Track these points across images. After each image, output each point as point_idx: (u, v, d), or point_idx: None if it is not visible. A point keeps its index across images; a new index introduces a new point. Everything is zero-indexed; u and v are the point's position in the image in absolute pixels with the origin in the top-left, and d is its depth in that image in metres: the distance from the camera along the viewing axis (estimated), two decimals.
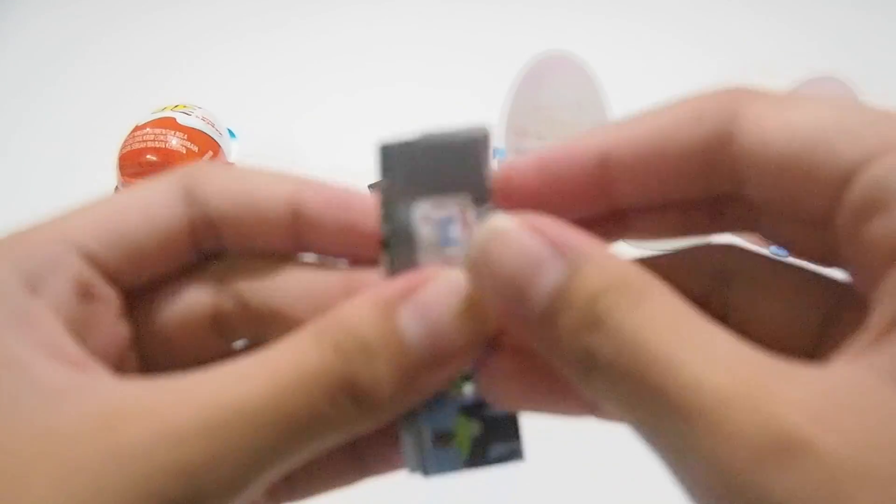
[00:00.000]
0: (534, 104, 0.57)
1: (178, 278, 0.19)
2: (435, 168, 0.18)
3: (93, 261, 0.17)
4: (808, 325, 0.18)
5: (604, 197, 0.18)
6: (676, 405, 0.14)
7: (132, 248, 0.18)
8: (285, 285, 0.19)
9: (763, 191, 0.17)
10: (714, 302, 0.19)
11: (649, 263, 0.17)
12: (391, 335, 0.16)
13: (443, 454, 0.18)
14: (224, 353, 0.19)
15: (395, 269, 0.18)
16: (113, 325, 0.18)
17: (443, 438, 0.18)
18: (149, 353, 0.20)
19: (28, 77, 0.71)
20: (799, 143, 0.16)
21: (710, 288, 0.19)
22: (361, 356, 0.16)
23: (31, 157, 0.63)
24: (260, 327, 0.20)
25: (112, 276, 0.18)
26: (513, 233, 0.16)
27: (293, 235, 0.19)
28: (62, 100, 0.69)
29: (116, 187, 0.54)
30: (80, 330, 0.17)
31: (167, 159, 0.53)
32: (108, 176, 0.54)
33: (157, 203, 0.18)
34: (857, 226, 0.16)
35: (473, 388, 0.18)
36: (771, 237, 0.19)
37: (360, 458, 0.20)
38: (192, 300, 0.19)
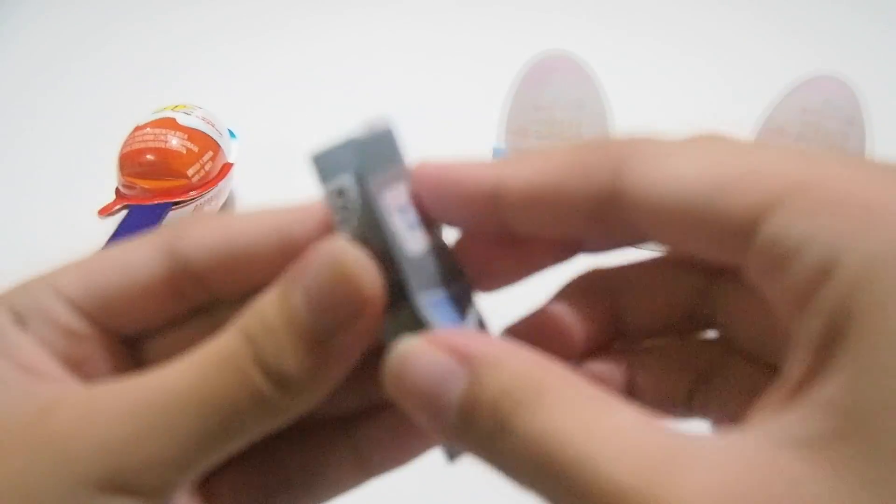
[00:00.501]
0: (534, 104, 0.57)
1: (176, 325, 0.20)
2: (368, 162, 0.18)
3: (75, 307, 0.19)
4: None
5: (498, 222, 0.18)
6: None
7: (110, 299, 0.19)
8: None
9: (667, 242, 0.17)
10: (703, 302, 0.20)
11: (642, 266, 0.17)
12: (286, 311, 0.17)
13: None
14: None
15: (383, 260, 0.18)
16: (107, 363, 0.19)
17: None
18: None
19: (28, 77, 0.71)
20: (693, 195, 0.15)
21: (701, 287, 0.20)
22: (265, 335, 0.17)
23: (31, 158, 0.63)
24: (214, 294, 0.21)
25: (97, 322, 0.19)
26: (419, 351, 0.17)
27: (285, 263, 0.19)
28: (62, 100, 0.69)
29: (117, 188, 0.54)
30: (73, 364, 0.19)
31: (167, 159, 0.53)
32: (109, 176, 0.54)
33: (137, 259, 0.19)
34: (764, 283, 0.15)
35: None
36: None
37: (364, 459, 0.21)
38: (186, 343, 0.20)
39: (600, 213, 0.17)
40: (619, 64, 0.63)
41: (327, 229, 0.18)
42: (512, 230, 0.18)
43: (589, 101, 0.57)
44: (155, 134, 0.53)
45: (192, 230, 0.19)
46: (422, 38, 0.73)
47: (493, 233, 0.19)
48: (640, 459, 0.14)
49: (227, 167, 0.56)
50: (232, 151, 0.57)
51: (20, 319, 0.18)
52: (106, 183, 0.55)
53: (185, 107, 0.56)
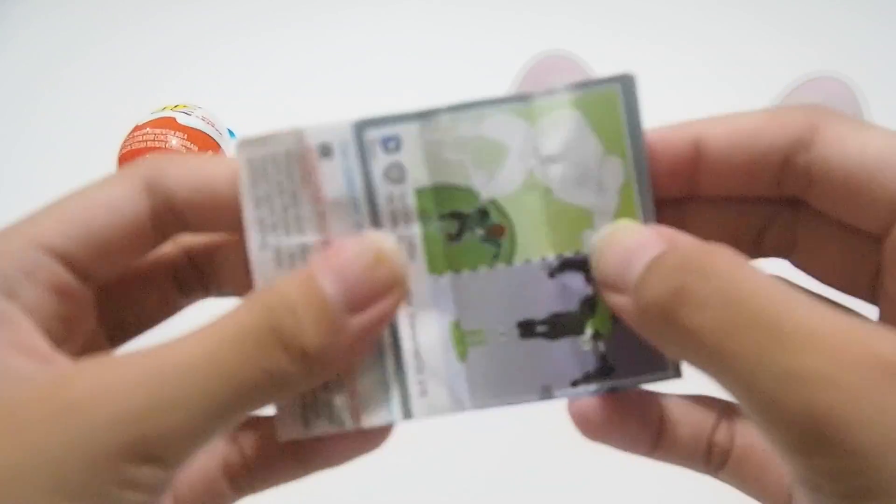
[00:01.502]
0: None
1: (142, 266, 0.21)
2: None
3: (66, 261, 0.18)
4: (864, 271, 0.20)
5: (687, 182, 0.20)
6: (787, 333, 0.15)
7: (101, 243, 0.19)
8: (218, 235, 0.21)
9: (826, 200, 0.20)
10: (783, 229, 0.21)
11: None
12: (312, 292, 0.18)
13: None
14: None
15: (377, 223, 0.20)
16: (90, 319, 0.20)
17: None
18: (128, 332, 0.22)
19: (28, 77, 0.71)
20: (870, 162, 0.18)
21: (777, 211, 0.21)
22: (286, 310, 0.17)
23: (31, 158, 0.63)
24: (207, 278, 0.22)
25: (84, 272, 0.19)
26: (631, 226, 0.20)
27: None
28: (62, 100, 0.69)
29: None
30: (61, 327, 0.19)
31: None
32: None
33: (121, 196, 0.19)
34: None
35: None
36: (803, 266, 0.21)
37: (299, 454, 0.21)
38: (155, 263, 0.21)
39: (786, 163, 0.19)
40: (618, 64, 0.63)
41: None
42: (696, 189, 0.21)
43: None
44: (154, 134, 0.53)
45: (172, 167, 0.20)
46: (421, 38, 0.73)
47: (675, 196, 0.21)
48: (838, 316, 0.15)
49: None
50: (231, 151, 0.57)
51: (8, 288, 0.18)
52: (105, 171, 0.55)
53: (184, 106, 0.56)
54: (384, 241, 0.19)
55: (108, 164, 0.54)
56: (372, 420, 0.20)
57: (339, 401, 0.20)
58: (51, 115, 0.67)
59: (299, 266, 0.20)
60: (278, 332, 0.17)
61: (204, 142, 0.54)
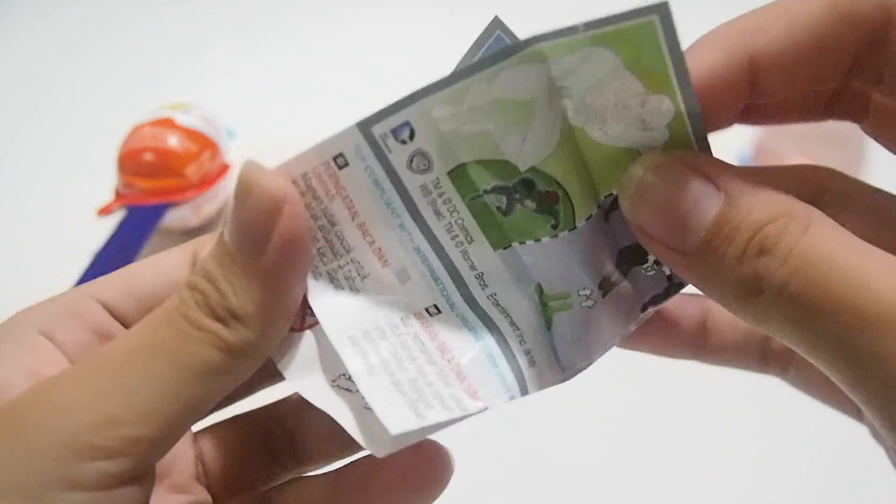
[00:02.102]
0: None
1: None
2: None
3: (109, 309, 0.19)
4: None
5: (743, 99, 0.18)
6: (866, 315, 0.15)
7: (145, 299, 0.19)
8: None
9: None
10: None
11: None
12: (219, 252, 0.17)
13: None
14: None
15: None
16: None
17: None
18: None
19: (27, 77, 0.71)
20: None
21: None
22: (205, 281, 0.17)
23: (30, 157, 0.63)
24: None
25: (127, 320, 0.19)
26: (668, 168, 0.17)
27: None
28: (61, 100, 0.68)
29: (116, 187, 0.54)
30: None
31: (166, 159, 0.52)
32: (108, 176, 0.54)
33: (171, 261, 0.20)
34: None
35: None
36: (873, 134, 0.20)
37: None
38: None
39: (857, 60, 0.17)
40: None
41: None
42: (758, 97, 0.18)
43: None
44: (154, 133, 0.53)
45: (108, 281, 0.20)
46: (421, 38, 0.73)
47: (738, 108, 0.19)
48: None
49: (226, 167, 0.55)
50: (231, 151, 0.57)
51: (47, 327, 0.18)
52: (105, 182, 0.54)
53: (183, 106, 0.56)
54: (251, 169, 0.17)
55: (107, 163, 0.54)
56: (489, 400, 0.19)
57: (448, 389, 0.19)
58: (50, 114, 0.67)
59: (358, 286, 0.19)
60: (207, 302, 0.17)
61: (203, 141, 0.54)
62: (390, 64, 0.70)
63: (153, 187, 0.53)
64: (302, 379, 0.19)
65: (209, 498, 0.22)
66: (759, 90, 0.18)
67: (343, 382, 0.19)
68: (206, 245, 0.20)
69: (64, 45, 0.74)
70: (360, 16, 0.77)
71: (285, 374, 0.19)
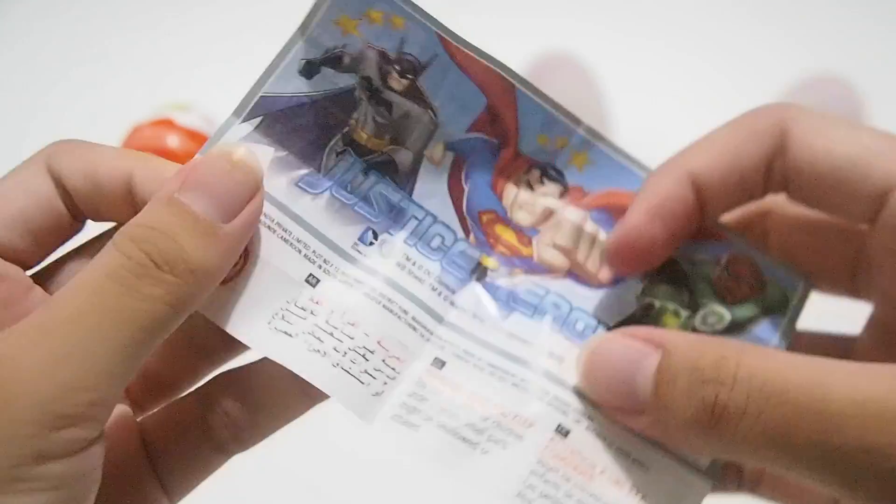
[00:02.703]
0: None
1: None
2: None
3: None
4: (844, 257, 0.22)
5: (698, 217, 0.21)
6: (840, 418, 0.15)
7: (22, 225, 0.19)
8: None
9: (808, 200, 0.21)
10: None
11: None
12: (181, 212, 0.18)
13: None
14: None
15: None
16: (26, 297, 0.20)
17: None
18: None
19: (26, 77, 0.71)
20: (840, 162, 0.19)
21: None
22: (161, 237, 0.17)
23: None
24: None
25: (13, 256, 0.19)
26: (610, 339, 0.20)
27: (132, 208, 0.20)
28: (61, 100, 0.68)
29: None
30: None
31: (164, 155, 0.52)
32: None
33: (33, 180, 0.20)
34: (892, 244, 0.19)
35: None
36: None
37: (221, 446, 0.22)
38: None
39: (767, 172, 0.21)
40: (618, 64, 0.63)
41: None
42: (705, 218, 0.22)
43: (589, 101, 0.57)
44: (154, 133, 0.53)
45: (65, 152, 0.20)
46: None
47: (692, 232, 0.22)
48: (867, 381, 0.16)
49: None
50: None
51: None
52: None
53: (183, 106, 0.56)
54: (235, 147, 0.20)
55: None
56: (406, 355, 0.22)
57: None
58: (50, 114, 0.67)
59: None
60: (158, 257, 0.17)
61: (202, 142, 0.54)
62: None
63: None
64: (242, 326, 0.20)
65: (128, 408, 0.22)
66: (704, 206, 0.21)
67: (279, 324, 0.20)
68: (56, 156, 0.20)
69: (64, 45, 0.74)
70: None
71: (223, 324, 0.20)
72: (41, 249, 0.20)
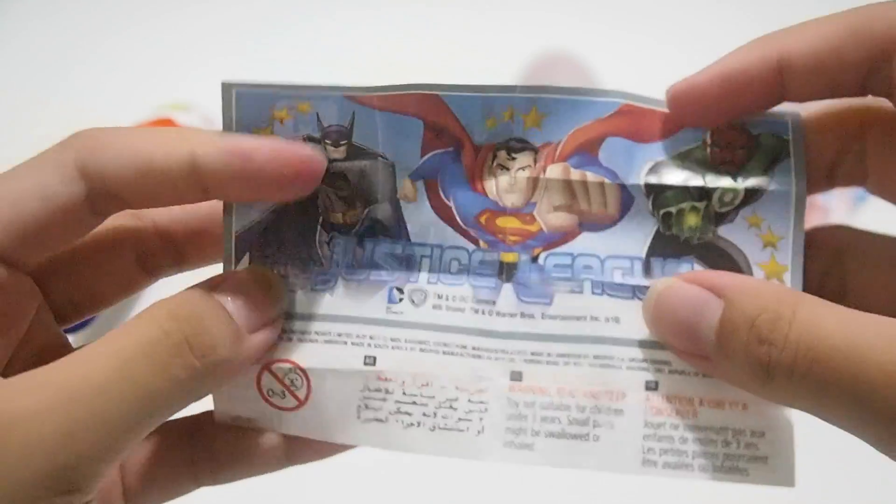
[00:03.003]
0: None
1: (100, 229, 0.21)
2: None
3: None
4: None
5: (775, 97, 0.21)
6: (872, 384, 0.16)
7: (33, 233, 0.18)
8: (196, 208, 0.22)
9: None
10: (832, 280, 0.22)
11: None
12: (219, 307, 0.19)
13: None
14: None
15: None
16: (30, 305, 0.20)
17: None
18: (80, 308, 0.22)
19: (26, 77, 0.71)
20: None
21: (828, 266, 0.22)
22: (197, 322, 0.18)
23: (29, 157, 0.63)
24: (181, 255, 0.22)
25: (15, 262, 0.19)
26: (675, 287, 0.20)
27: (196, 188, 0.19)
28: (61, 100, 0.68)
29: None
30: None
31: None
32: None
33: (53, 183, 0.18)
34: None
35: None
36: (877, 192, 0.21)
37: (292, 446, 0.23)
38: (118, 246, 0.22)
39: (869, 73, 0.19)
40: (618, 63, 0.63)
41: (234, 165, 0.19)
42: (784, 98, 0.21)
43: None
44: None
45: (108, 147, 0.19)
46: (421, 38, 0.73)
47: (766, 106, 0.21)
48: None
49: None
50: None
51: None
52: None
53: (183, 106, 0.56)
54: (271, 272, 0.22)
55: None
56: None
57: None
58: (50, 115, 0.67)
59: None
60: (192, 343, 0.18)
61: None
62: (391, 64, 0.70)
63: None
64: (339, 431, 0.22)
65: None
66: (786, 89, 0.20)
67: (367, 414, 0.22)
68: (94, 150, 0.19)
69: (64, 45, 0.74)
70: (361, 16, 0.77)
71: (323, 437, 0.22)
72: (47, 252, 0.20)
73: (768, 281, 0.20)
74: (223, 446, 0.22)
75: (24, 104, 0.68)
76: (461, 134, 0.22)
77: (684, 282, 0.20)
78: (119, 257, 0.22)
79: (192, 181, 0.19)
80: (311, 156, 0.20)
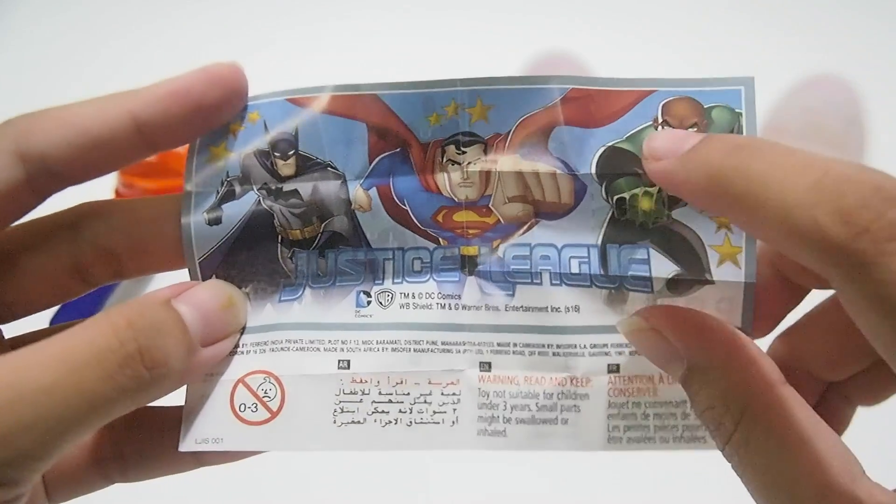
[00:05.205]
0: None
1: (36, 237, 0.21)
2: None
3: (43, 158, 0.19)
4: None
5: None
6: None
7: (83, 144, 0.19)
8: (136, 223, 0.22)
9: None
10: (787, 259, 0.21)
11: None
12: (176, 318, 0.19)
13: None
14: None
15: None
16: None
17: None
18: (13, 309, 0.22)
19: (27, 77, 0.71)
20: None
21: None
22: (151, 331, 0.18)
23: None
24: (120, 268, 0.22)
25: (65, 164, 0.19)
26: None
27: (142, 146, 0.20)
28: (60, 100, 0.68)
29: (116, 188, 0.54)
30: None
31: (166, 159, 0.53)
32: (108, 176, 0.54)
33: (110, 110, 0.19)
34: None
35: None
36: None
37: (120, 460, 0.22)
38: (52, 253, 0.21)
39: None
40: (618, 64, 0.63)
41: (175, 108, 0.20)
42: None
43: None
44: None
45: (41, 126, 0.19)
46: (421, 39, 0.73)
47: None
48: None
49: None
50: None
51: None
52: (105, 182, 0.54)
53: None
54: (233, 289, 0.22)
55: None
56: None
57: None
58: None
59: None
60: (145, 354, 0.18)
61: None
62: (391, 64, 0.70)
63: (153, 187, 0.53)
64: (314, 439, 0.22)
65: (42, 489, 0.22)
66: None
67: (343, 417, 0.22)
68: (31, 134, 0.19)
69: (64, 45, 0.74)
70: (361, 17, 0.77)
71: (299, 447, 0.22)
72: None
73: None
74: (131, 449, 0.22)
75: (23, 104, 0.68)
76: (406, 134, 0.22)
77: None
78: (53, 265, 0.22)
79: (137, 140, 0.19)
80: (229, 64, 0.21)
